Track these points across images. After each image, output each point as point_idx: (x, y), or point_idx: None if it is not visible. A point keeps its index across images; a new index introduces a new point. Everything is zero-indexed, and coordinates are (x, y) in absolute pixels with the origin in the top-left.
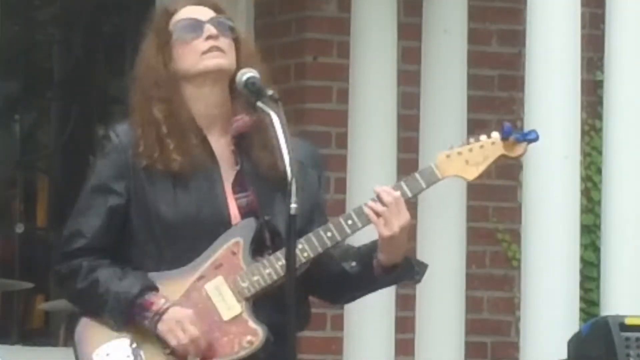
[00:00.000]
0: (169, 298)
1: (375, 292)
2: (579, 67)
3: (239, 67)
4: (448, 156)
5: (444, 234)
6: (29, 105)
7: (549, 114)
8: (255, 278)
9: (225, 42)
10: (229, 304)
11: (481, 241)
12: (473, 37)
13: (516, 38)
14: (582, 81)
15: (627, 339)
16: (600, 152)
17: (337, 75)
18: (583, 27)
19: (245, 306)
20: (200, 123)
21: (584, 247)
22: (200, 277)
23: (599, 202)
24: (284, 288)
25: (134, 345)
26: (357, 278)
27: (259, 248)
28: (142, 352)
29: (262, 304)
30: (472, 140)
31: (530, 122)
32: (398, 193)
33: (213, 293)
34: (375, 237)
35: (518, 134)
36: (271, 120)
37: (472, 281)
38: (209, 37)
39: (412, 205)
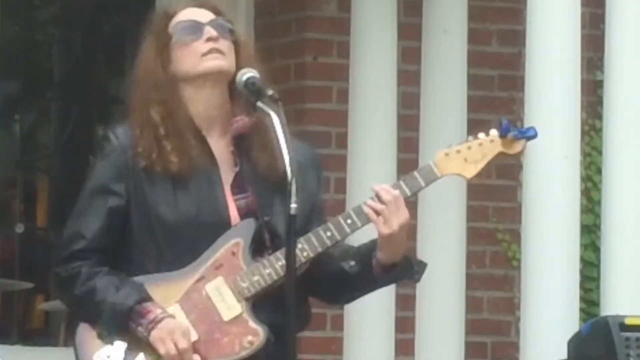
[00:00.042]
0: (170, 300)
1: (375, 292)
2: (579, 67)
3: (238, 69)
4: (447, 154)
5: (443, 234)
6: (29, 105)
7: (549, 114)
8: (255, 278)
9: (225, 44)
10: (229, 304)
11: (481, 241)
12: (473, 37)
13: (516, 38)
14: (582, 81)
15: (627, 339)
16: (600, 152)
17: (337, 75)
18: (583, 27)
19: (246, 306)
20: (200, 124)
21: (584, 247)
22: (201, 278)
23: (599, 202)
24: (284, 288)
25: (131, 350)
26: (357, 278)
27: (258, 248)
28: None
29: (262, 304)
30: (470, 138)
31: (530, 122)
32: (397, 191)
33: (213, 293)
34: (374, 236)
35: (516, 131)
36: (271, 120)
37: (472, 281)
38: (209, 39)
39: (412, 205)
